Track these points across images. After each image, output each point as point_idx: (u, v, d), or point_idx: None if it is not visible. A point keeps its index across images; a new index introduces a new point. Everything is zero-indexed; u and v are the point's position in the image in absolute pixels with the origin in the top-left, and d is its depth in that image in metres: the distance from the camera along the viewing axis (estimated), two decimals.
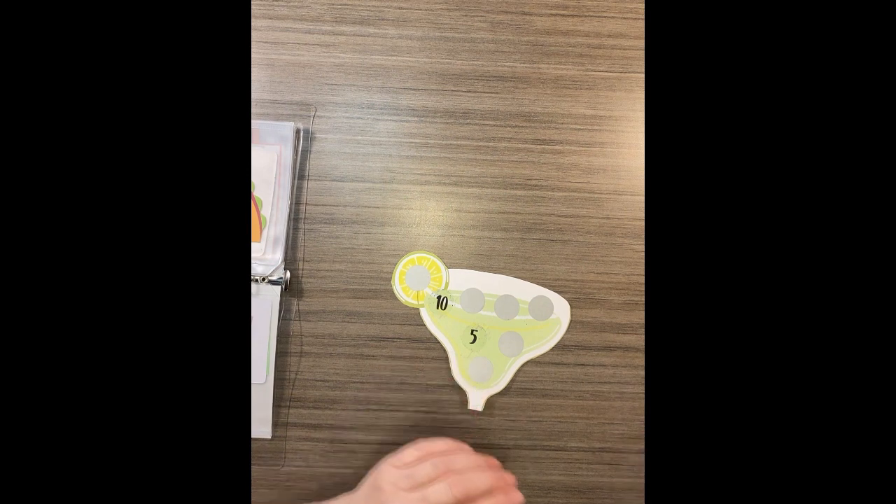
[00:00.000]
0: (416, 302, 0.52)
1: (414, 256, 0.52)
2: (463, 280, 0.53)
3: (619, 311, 0.53)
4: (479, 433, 0.53)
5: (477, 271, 0.53)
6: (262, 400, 0.52)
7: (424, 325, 0.52)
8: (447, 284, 0.52)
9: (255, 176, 0.51)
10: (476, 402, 0.53)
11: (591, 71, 0.54)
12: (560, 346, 0.53)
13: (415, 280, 0.52)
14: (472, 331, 0.52)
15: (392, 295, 0.52)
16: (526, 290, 0.53)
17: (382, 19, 0.54)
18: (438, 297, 0.52)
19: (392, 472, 0.44)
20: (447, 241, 0.53)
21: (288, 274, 0.51)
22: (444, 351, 0.52)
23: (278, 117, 0.53)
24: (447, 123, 0.53)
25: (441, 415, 0.52)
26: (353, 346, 0.52)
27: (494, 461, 0.48)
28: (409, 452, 0.45)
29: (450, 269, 0.52)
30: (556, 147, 0.53)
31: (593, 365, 0.53)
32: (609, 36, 0.54)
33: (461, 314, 0.53)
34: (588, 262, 0.53)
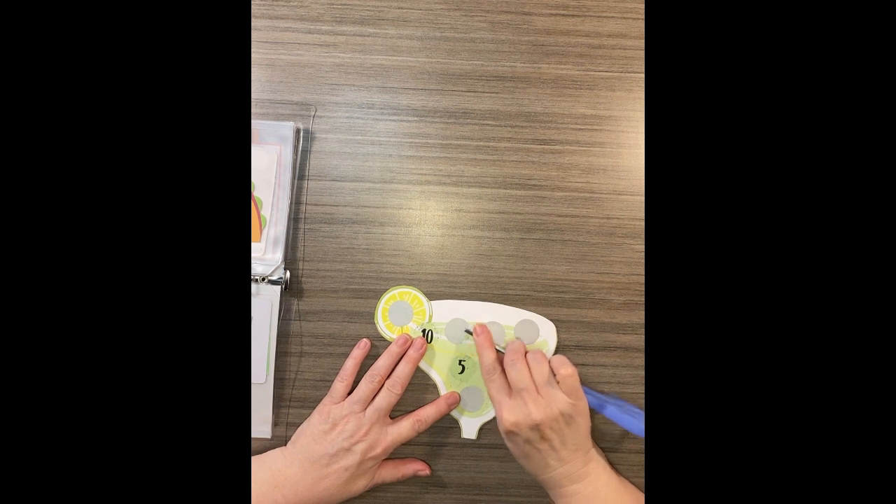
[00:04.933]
0: None
1: (395, 292, 0.52)
2: (446, 311, 0.52)
3: (619, 311, 0.53)
4: (480, 433, 0.53)
5: (459, 301, 0.53)
6: (262, 400, 0.51)
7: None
8: (431, 317, 0.52)
9: (255, 176, 0.51)
10: (469, 431, 0.53)
11: (591, 71, 0.54)
12: (560, 347, 0.53)
13: (398, 316, 0.52)
14: (460, 361, 0.52)
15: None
16: (510, 315, 0.52)
17: (382, 19, 0.54)
18: (423, 331, 0.52)
19: (312, 424, 0.49)
20: (447, 241, 0.53)
21: (288, 274, 0.51)
22: (434, 382, 0.53)
23: (278, 117, 0.52)
24: (447, 123, 0.53)
25: (441, 418, 0.52)
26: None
27: (402, 337, 0.52)
28: (337, 387, 0.50)
29: (432, 302, 0.52)
30: (556, 147, 0.53)
31: (593, 365, 0.53)
32: (609, 36, 0.54)
33: (447, 345, 0.52)
34: (588, 262, 0.53)
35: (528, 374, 0.47)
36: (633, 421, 0.49)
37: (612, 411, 0.49)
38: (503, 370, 0.49)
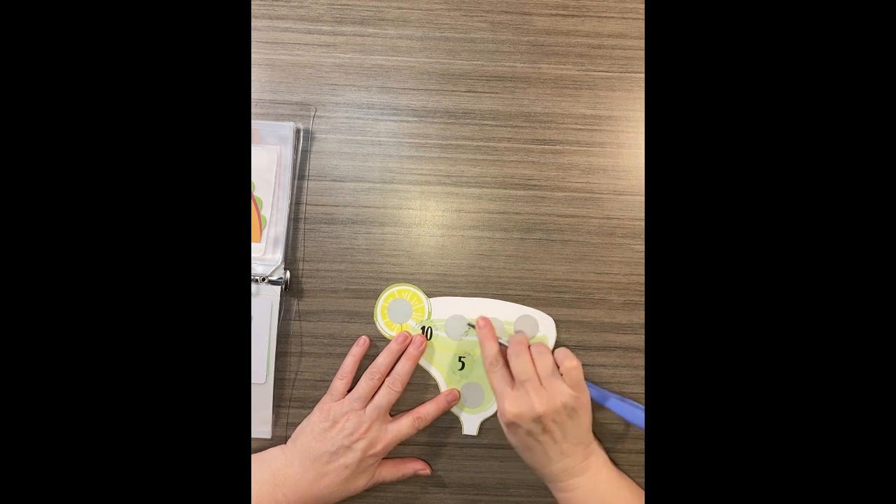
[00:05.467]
0: None
1: (395, 290, 0.52)
2: (445, 308, 0.52)
3: (619, 311, 0.53)
4: (480, 433, 0.53)
5: (459, 297, 0.53)
6: (262, 400, 0.52)
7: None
8: (430, 314, 0.52)
9: (255, 176, 0.51)
10: (470, 427, 0.53)
11: (591, 71, 0.54)
12: (560, 344, 0.52)
13: (397, 314, 0.52)
14: (460, 357, 0.52)
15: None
16: (509, 311, 0.52)
17: (382, 19, 0.54)
18: (423, 328, 0.52)
19: (312, 422, 0.49)
20: (447, 241, 0.53)
21: (288, 274, 0.51)
22: (434, 380, 0.53)
23: (278, 117, 0.53)
24: (447, 123, 0.53)
25: (441, 415, 0.52)
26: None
27: (402, 335, 0.52)
28: (337, 385, 0.50)
29: (431, 299, 0.52)
30: (556, 147, 0.53)
31: (593, 365, 0.53)
32: (609, 36, 0.54)
33: (447, 342, 0.52)
34: (588, 262, 0.53)
35: (532, 366, 0.47)
36: (637, 412, 0.49)
37: (615, 403, 0.49)
38: (506, 362, 0.49)
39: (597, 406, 0.50)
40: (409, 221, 0.53)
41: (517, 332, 0.51)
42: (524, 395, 0.46)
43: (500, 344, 0.50)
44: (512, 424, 0.47)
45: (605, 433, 0.52)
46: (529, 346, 0.49)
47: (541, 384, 0.47)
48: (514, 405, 0.46)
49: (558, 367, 0.47)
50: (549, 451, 0.47)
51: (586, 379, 0.48)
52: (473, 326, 0.51)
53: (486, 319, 0.51)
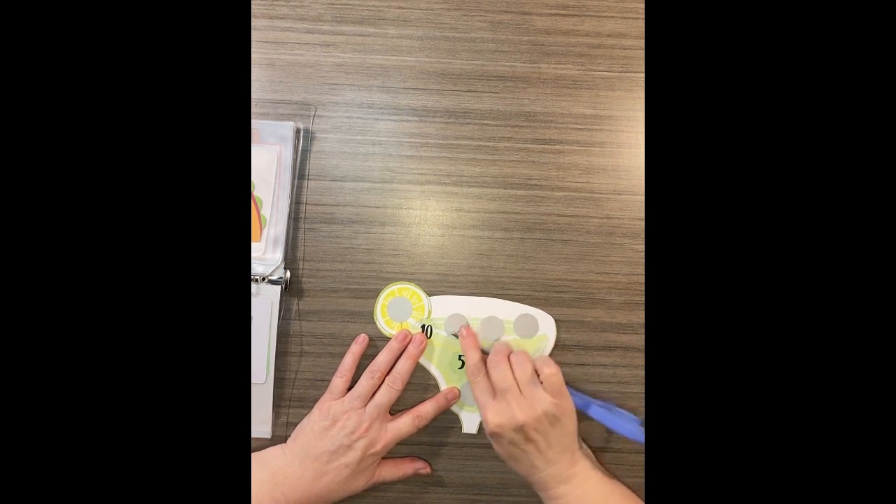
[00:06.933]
0: None
1: (394, 288, 0.52)
2: (445, 306, 0.52)
3: (619, 311, 0.53)
4: (480, 431, 0.53)
5: (459, 296, 0.53)
6: (262, 400, 0.52)
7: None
8: (430, 313, 0.52)
9: (255, 176, 0.51)
10: (470, 425, 0.53)
11: (591, 71, 0.54)
12: (560, 346, 0.53)
13: (397, 312, 0.52)
14: (460, 356, 0.52)
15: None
16: (509, 310, 0.52)
17: (382, 19, 0.54)
18: (423, 327, 0.52)
19: (312, 421, 0.49)
20: (447, 241, 0.53)
21: (288, 274, 0.51)
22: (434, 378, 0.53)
23: (278, 117, 0.53)
24: (447, 123, 0.53)
25: (440, 413, 0.52)
26: None
27: (402, 333, 0.51)
28: (336, 383, 0.50)
29: (431, 297, 0.52)
30: (556, 147, 0.53)
31: (593, 365, 0.53)
32: (609, 36, 0.54)
33: (447, 340, 0.52)
34: (588, 262, 0.53)
35: (511, 375, 0.47)
36: (619, 421, 0.49)
37: (597, 411, 0.49)
38: (488, 372, 0.49)
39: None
40: (409, 221, 0.53)
41: (499, 341, 0.51)
42: (505, 405, 0.46)
43: (484, 352, 0.50)
44: (495, 435, 0.47)
45: (606, 433, 0.52)
46: (510, 355, 0.49)
47: (521, 393, 0.47)
48: (496, 415, 0.46)
49: (538, 375, 0.47)
50: (534, 460, 0.47)
51: (570, 385, 0.48)
52: (457, 336, 0.51)
53: (468, 329, 0.51)
